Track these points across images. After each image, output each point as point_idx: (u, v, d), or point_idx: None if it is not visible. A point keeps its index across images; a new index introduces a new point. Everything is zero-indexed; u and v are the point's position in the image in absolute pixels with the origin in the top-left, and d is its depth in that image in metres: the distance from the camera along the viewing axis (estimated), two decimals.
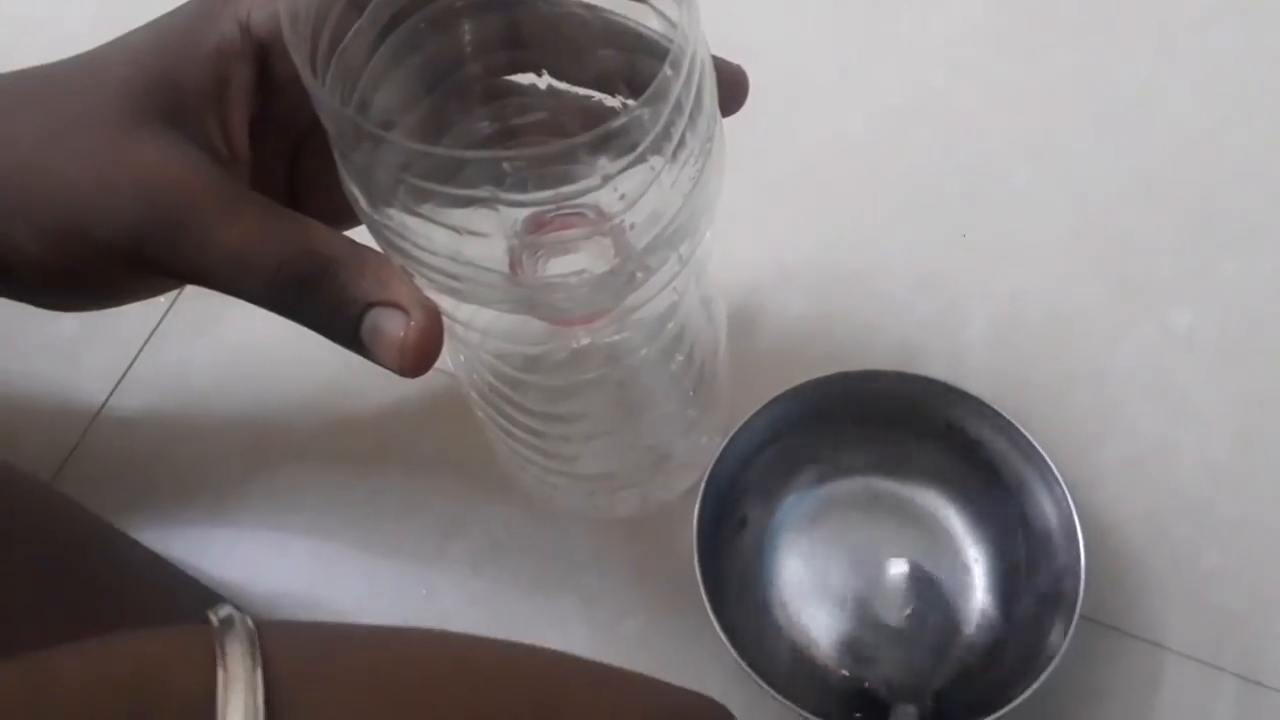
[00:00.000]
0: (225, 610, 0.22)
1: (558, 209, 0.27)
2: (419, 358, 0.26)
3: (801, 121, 0.47)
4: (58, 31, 0.53)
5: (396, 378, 0.36)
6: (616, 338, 0.33)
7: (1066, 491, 0.35)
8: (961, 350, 0.41)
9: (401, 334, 0.25)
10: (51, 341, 0.46)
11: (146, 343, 0.45)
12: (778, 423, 0.38)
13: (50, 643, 0.22)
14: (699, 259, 0.32)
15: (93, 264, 0.27)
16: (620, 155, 0.22)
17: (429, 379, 0.43)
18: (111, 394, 0.44)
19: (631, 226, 0.24)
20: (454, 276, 0.25)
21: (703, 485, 0.37)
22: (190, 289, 0.46)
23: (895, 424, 0.38)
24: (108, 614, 0.31)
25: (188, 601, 0.36)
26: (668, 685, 0.25)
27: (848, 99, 0.47)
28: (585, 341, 0.33)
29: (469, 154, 0.21)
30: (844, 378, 0.38)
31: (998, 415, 0.37)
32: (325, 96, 0.22)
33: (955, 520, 0.38)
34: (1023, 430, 0.36)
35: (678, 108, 0.22)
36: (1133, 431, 0.40)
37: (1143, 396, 0.40)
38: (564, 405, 0.35)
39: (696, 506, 0.37)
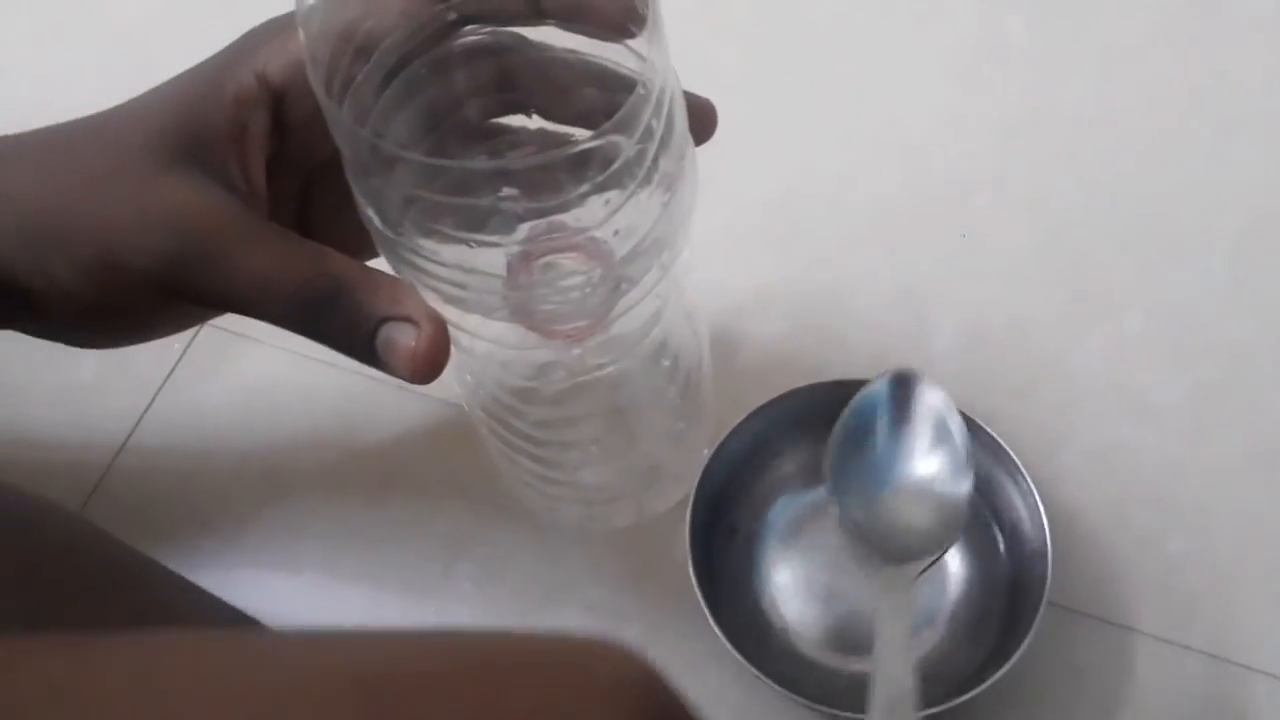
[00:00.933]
0: None
1: (549, 226, 0.30)
2: (429, 365, 0.28)
3: (772, 151, 0.49)
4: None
5: (400, 409, 0.39)
6: (609, 362, 0.36)
7: (1032, 485, 0.38)
8: (931, 359, 0.44)
9: (413, 344, 0.28)
10: (70, 388, 0.48)
11: (161, 387, 0.47)
12: (761, 433, 0.41)
13: None
14: (677, 274, 0.35)
15: (128, 294, 0.30)
16: (599, 173, 0.25)
17: (432, 409, 0.46)
18: (130, 435, 0.47)
19: (616, 233, 0.27)
20: (459, 285, 0.27)
21: (693, 495, 0.39)
22: (204, 335, 0.48)
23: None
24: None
25: (223, 624, 0.38)
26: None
27: (815, 129, 0.50)
28: (577, 352, 0.35)
29: (473, 164, 0.24)
30: (822, 388, 0.40)
31: (966, 418, 0.39)
32: (343, 118, 0.25)
33: None
34: (989, 430, 0.39)
35: (648, 132, 0.25)
36: (1094, 428, 0.42)
37: (1102, 396, 0.43)
38: (563, 413, 0.37)
39: (688, 516, 0.39)
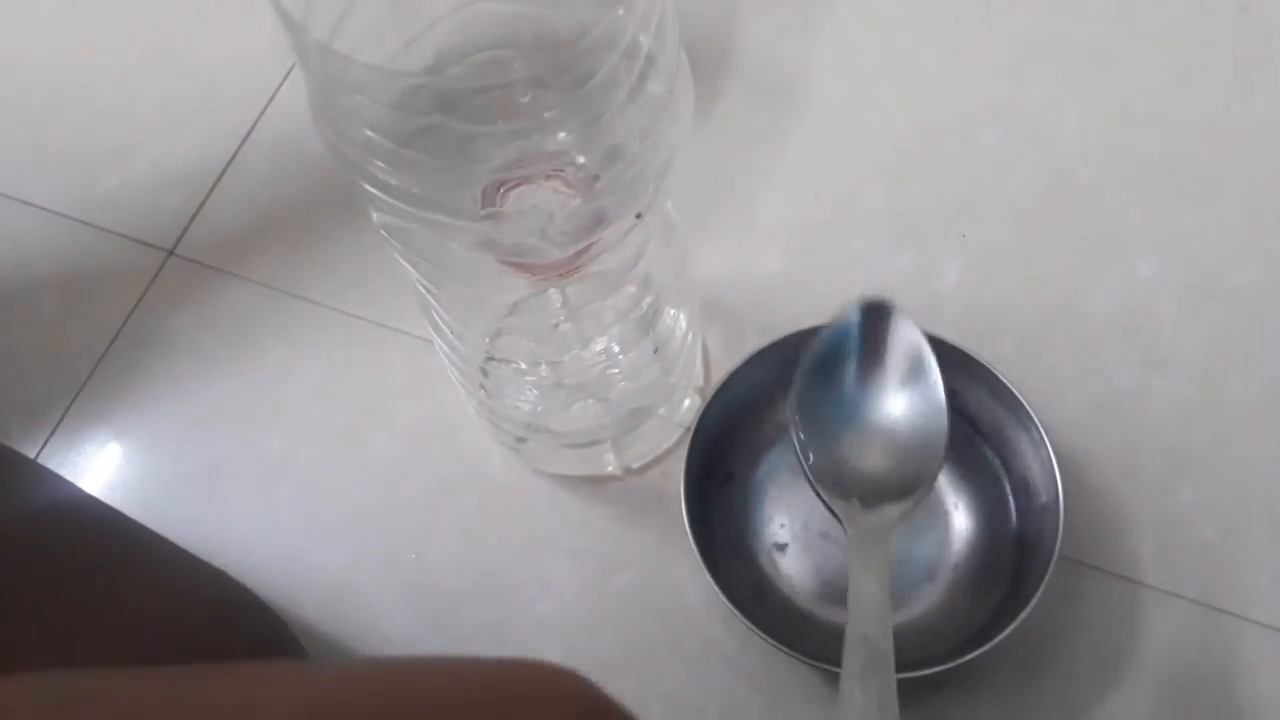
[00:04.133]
0: None
1: (519, 152, 0.28)
2: None
3: (778, 85, 0.47)
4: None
5: (382, 347, 0.36)
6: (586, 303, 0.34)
7: (1045, 435, 0.36)
8: (937, 302, 0.42)
9: None
10: (31, 319, 0.45)
11: (129, 316, 0.45)
12: (758, 378, 0.39)
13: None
14: (663, 211, 0.33)
15: None
16: (575, 88, 0.23)
17: (409, 345, 0.44)
18: (93, 371, 0.44)
19: (587, 167, 0.25)
20: (430, 208, 0.25)
21: (689, 442, 0.37)
22: (171, 265, 0.46)
23: None
24: (133, 597, 0.31)
25: (203, 580, 0.36)
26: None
27: (819, 64, 0.48)
28: (552, 292, 0.33)
29: (442, 81, 0.21)
30: (821, 331, 0.38)
31: (975, 362, 0.37)
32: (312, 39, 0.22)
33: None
34: (1000, 376, 0.37)
35: (634, 48, 0.23)
36: (1105, 375, 0.41)
37: (1113, 342, 0.41)
38: (536, 352, 0.35)
39: (684, 462, 0.37)
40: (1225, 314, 0.41)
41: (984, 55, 0.47)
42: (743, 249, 0.44)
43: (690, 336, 0.38)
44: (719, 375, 0.39)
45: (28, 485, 0.31)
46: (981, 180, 0.45)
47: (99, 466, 0.43)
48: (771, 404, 0.39)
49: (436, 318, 0.35)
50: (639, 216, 0.29)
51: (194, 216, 0.47)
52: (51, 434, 0.43)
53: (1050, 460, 0.36)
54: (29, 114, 0.50)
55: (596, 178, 0.27)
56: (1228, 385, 0.40)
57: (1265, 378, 0.40)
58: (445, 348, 0.36)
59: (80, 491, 0.35)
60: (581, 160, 0.28)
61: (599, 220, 0.28)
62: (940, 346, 0.37)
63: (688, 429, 0.39)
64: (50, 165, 0.49)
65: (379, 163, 0.25)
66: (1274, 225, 0.43)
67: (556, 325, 0.34)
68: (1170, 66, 0.47)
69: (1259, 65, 0.46)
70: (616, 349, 0.37)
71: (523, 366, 0.36)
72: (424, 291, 0.33)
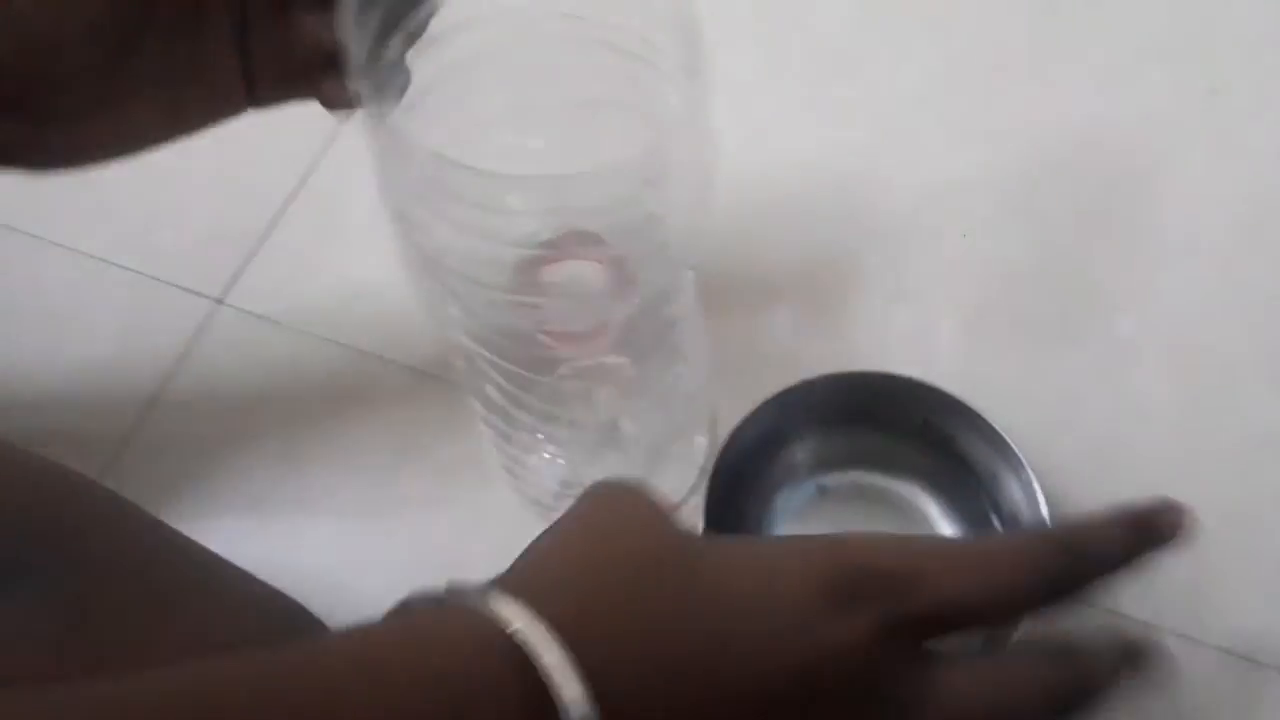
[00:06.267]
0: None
1: (574, 235, 0.31)
2: None
3: (779, 148, 0.51)
4: None
5: (416, 390, 0.39)
6: (612, 359, 0.37)
7: (1032, 476, 0.39)
8: (934, 355, 0.46)
9: None
10: (88, 358, 0.48)
11: (179, 362, 0.48)
12: (771, 424, 0.41)
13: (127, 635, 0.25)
14: (689, 279, 0.36)
15: None
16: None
17: (444, 390, 0.47)
18: (144, 412, 0.47)
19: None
20: (471, 281, 0.28)
21: (707, 487, 0.40)
22: (221, 314, 0.49)
23: (877, 421, 0.42)
24: (194, 613, 0.33)
25: (265, 603, 0.39)
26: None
27: (821, 132, 0.52)
28: (589, 364, 0.36)
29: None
30: (831, 380, 0.41)
31: (968, 410, 0.40)
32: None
33: (932, 508, 0.42)
34: (991, 423, 0.40)
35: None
36: (1089, 424, 0.44)
37: (1097, 395, 0.45)
38: (562, 411, 0.38)
39: (703, 507, 0.39)
40: (1200, 370, 0.45)
41: (976, 133, 0.51)
42: (753, 305, 0.47)
43: (702, 382, 0.42)
44: (726, 418, 0.41)
45: (129, 518, 0.34)
46: (973, 245, 0.48)
47: (148, 503, 0.45)
48: (783, 446, 0.42)
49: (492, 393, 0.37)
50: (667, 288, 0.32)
51: (243, 268, 0.50)
52: (105, 469, 0.46)
53: (1037, 500, 0.39)
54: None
55: (623, 257, 0.31)
56: (1203, 435, 0.44)
57: (1239, 429, 0.44)
58: (498, 420, 0.39)
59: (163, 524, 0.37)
60: (609, 240, 0.31)
61: (629, 293, 0.31)
62: (937, 395, 0.41)
63: (703, 469, 0.42)
64: (106, 217, 0.52)
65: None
66: (1244, 287, 0.47)
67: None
68: (1149, 141, 0.51)
69: (1229, 141, 0.50)
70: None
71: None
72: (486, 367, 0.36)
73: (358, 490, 0.45)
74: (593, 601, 0.24)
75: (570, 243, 0.32)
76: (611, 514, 0.27)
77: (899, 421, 0.42)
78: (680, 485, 0.43)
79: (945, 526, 0.42)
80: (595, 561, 0.25)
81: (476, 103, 0.31)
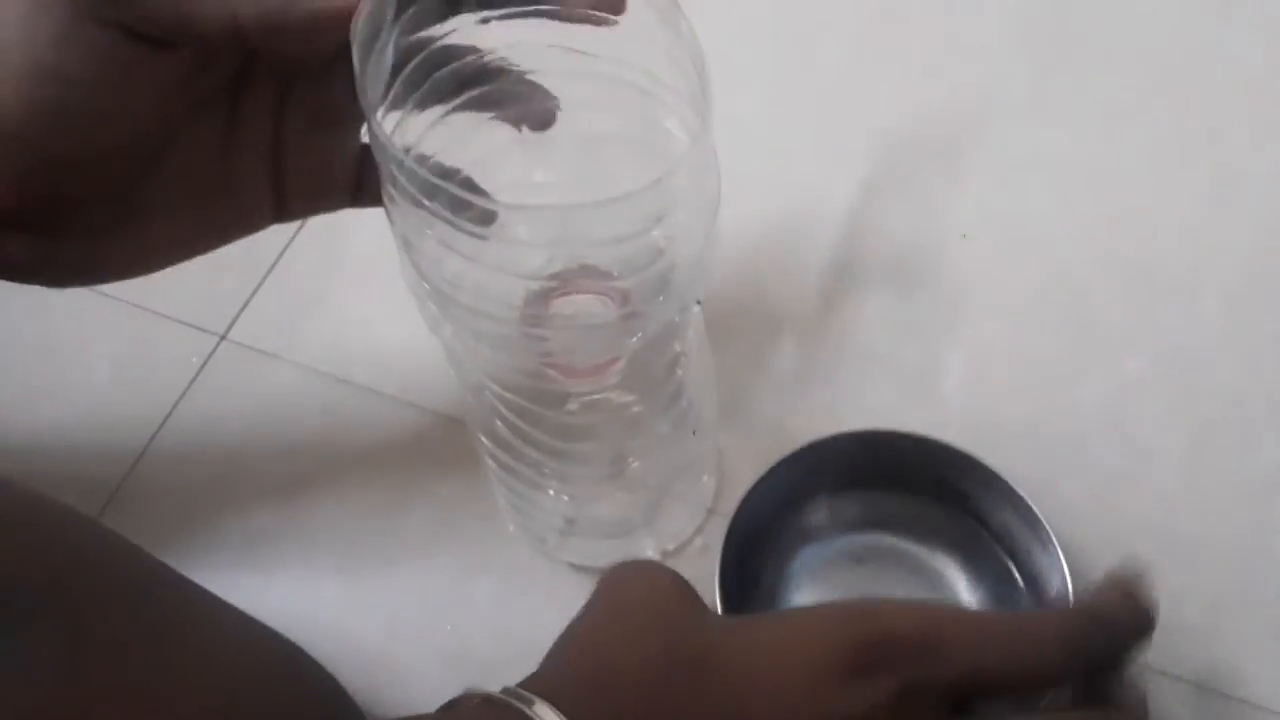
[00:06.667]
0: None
1: (580, 268, 0.31)
2: None
3: (784, 192, 0.51)
4: None
5: (418, 427, 0.39)
6: (619, 395, 0.37)
7: (1052, 534, 0.38)
8: (940, 397, 0.46)
9: None
10: (88, 392, 0.48)
11: (180, 399, 0.48)
12: (785, 486, 0.40)
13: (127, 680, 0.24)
14: (696, 315, 0.36)
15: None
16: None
17: (446, 426, 0.46)
18: (147, 446, 0.47)
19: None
20: (479, 312, 0.28)
21: (720, 550, 0.38)
22: (222, 349, 0.49)
23: (892, 482, 0.41)
24: (191, 654, 0.33)
25: (264, 643, 0.38)
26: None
27: (827, 169, 0.52)
28: (597, 398, 0.36)
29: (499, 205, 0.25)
30: (843, 440, 0.40)
31: (983, 468, 0.39)
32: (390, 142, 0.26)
33: (951, 568, 0.41)
34: (1008, 480, 0.39)
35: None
36: (1096, 465, 0.44)
37: (1102, 434, 0.44)
38: (570, 445, 0.38)
39: (717, 573, 0.38)
40: (1206, 409, 0.45)
41: (982, 171, 0.52)
42: (758, 345, 0.47)
43: (710, 419, 0.41)
44: (733, 454, 0.41)
45: (125, 556, 0.33)
46: (977, 284, 0.48)
47: (149, 540, 0.45)
48: (797, 511, 0.41)
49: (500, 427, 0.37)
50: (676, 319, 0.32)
51: (246, 304, 0.50)
52: (105, 506, 0.46)
53: (1059, 557, 0.37)
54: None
55: (630, 290, 0.31)
56: (1209, 475, 0.43)
57: (1243, 468, 0.44)
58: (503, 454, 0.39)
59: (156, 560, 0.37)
60: (616, 273, 0.31)
61: (635, 327, 0.31)
62: (951, 454, 0.40)
63: (711, 510, 0.41)
64: None
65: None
66: (1249, 325, 0.47)
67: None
68: (1151, 183, 0.51)
69: (1229, 182, 0.51)
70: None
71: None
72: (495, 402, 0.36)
73: (360, 527, 0.45)
74: (620, 703, 0.26)
75: (578, 276, 0.32)
76: (634, 606, 0.29)
77: (915, 483, 0.41)
78: (687, 525, 0.43)
79: (966, 587, 0.41)
80: (622, 664, 0.27)
81: (484, 135, 0.32)
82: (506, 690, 0.27)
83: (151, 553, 0.44)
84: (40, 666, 0.28)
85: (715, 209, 0.30)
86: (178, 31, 0.31)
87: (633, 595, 0.29)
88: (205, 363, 0.49)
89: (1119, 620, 0.29)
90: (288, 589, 0.44)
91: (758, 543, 0.40)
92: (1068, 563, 0.38)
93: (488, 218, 0.26)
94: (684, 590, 0.30)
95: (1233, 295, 0.48)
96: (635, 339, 0.31)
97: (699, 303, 0.33)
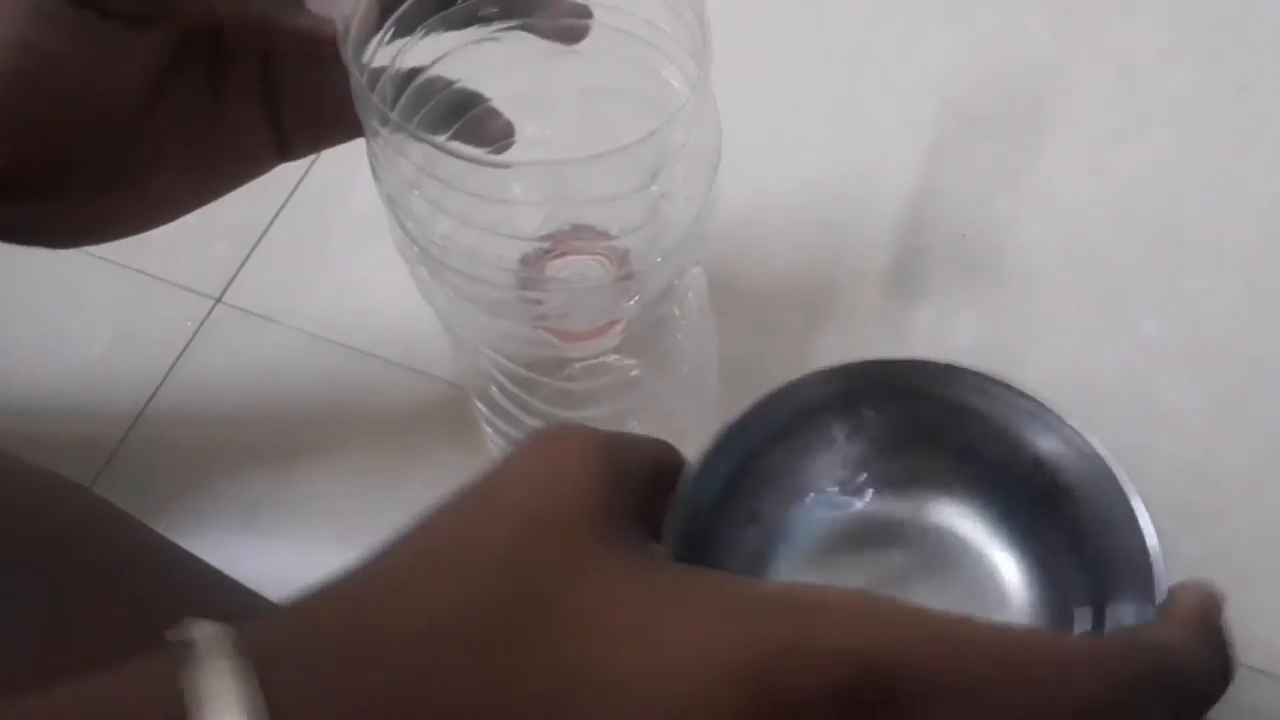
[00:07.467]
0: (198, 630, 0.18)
1: (573, 228, 0.30)
2: None
3: (795, 146, 0.50)
4: None
5: (417, 391, 0.38)
6: (619, 360, 0.36)
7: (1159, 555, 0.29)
8: (950, 357, 0.44)
9: None
10: (82, 363, 0.48)
11: (174, 364, 0.47)
12: (812, 403, 0.30)
13: (108, 651, 0.23)
14: (697, 277, 0.35)
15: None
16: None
17: (447, 391, 0.45)
18: (141, 412, 0.46)
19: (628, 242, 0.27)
20: (472, 276, 0.27)
21: (709, 444, 0.27)
22: (217, 313, 0.48)
23: (967, 449, 0.31)
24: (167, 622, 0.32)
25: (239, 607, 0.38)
26: None
27: (841, 126, 0.51)
28: (595, 363, 0.35)
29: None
30: (902, 365, 0.31)
31: (1090, 451, 0.30)
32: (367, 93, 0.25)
33: (1011, 568, 0.31)
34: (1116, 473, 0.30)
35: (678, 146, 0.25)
36: (1111, 433, 0.42)
37: (1119, 401, 0.43)
38: (569, 413, 0.37)
39: (696, 468, 0.27)
40: (1226, 375, 0.43)
41: (999, 129, 0.50)
42: (759, 303, 0.46)
43: (712, 385, 0.40)
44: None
45: (115, 526, 0.33)
46: (993, 244, 0.47)
47: (144, 507, 0.44)
48: (813, 446, 0.31)
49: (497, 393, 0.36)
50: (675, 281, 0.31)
51: (241, 266, 0.49)
52: (100, 472, 0.45)
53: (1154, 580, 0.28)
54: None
55: (627, 251, 0.30)
56: (1229, 443, 0.42)
57: (1264, 438, 0.42)
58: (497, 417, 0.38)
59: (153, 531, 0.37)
60: (613, 233, 0.30)
61: (633, 288, 0.30)
62: (1058, 427, 0.31)
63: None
64: None
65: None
66: (1272, 290, 0.45)
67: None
68: (1175, 140, 0.49)
69: (1257, 140, 0.49)
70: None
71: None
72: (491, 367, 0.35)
73: (357, 494, 0.44)
74: (372, 681, 0.17)
75: (574, 236, 0.31)
76: (498, 516, 0.19)
77: (999, 453, 0.30)
78: None
79: (1022, 590, 0.31)
80: (411, 620, 0.18)
81: (478, 85, 0.30)
82: (218, 634, 0.18)
83: (147, 520, 0.44)
84: (22, 636, 0.28)
85: (715, 165, 0.28)
86: (155, 17, 0.31)
87: (512, 496, 0.20)
88: (200, 326, 0.48)
89: (1196, 672, 0.21)
90: (286, 558, 0.43)
91: (764, 467, 0.30)
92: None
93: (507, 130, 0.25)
94: (598, 497, 0.19)
95: (1257, 257, 0.46)
96: (634, 301, 0.29)
97: (699, 264, 0.32)
